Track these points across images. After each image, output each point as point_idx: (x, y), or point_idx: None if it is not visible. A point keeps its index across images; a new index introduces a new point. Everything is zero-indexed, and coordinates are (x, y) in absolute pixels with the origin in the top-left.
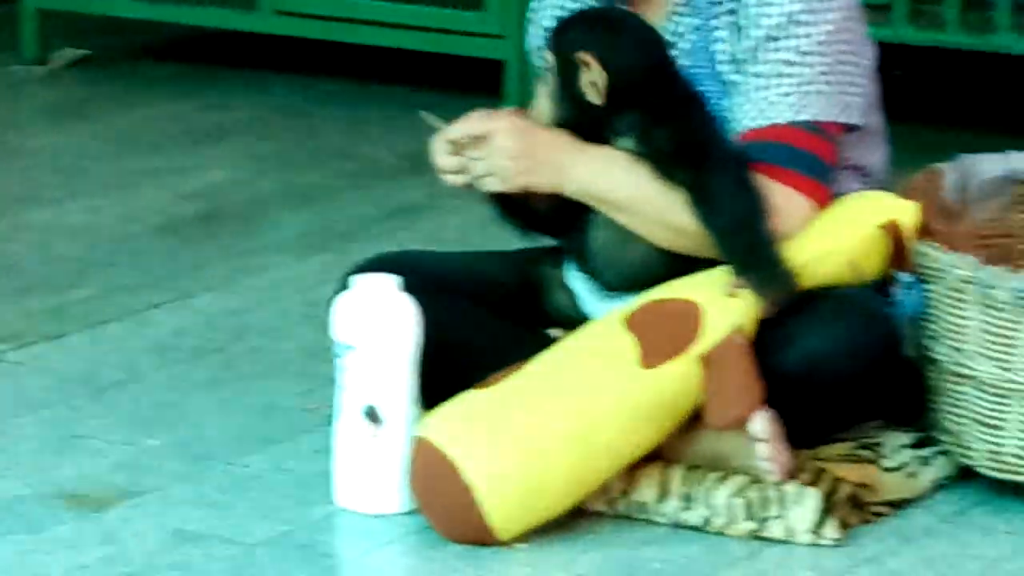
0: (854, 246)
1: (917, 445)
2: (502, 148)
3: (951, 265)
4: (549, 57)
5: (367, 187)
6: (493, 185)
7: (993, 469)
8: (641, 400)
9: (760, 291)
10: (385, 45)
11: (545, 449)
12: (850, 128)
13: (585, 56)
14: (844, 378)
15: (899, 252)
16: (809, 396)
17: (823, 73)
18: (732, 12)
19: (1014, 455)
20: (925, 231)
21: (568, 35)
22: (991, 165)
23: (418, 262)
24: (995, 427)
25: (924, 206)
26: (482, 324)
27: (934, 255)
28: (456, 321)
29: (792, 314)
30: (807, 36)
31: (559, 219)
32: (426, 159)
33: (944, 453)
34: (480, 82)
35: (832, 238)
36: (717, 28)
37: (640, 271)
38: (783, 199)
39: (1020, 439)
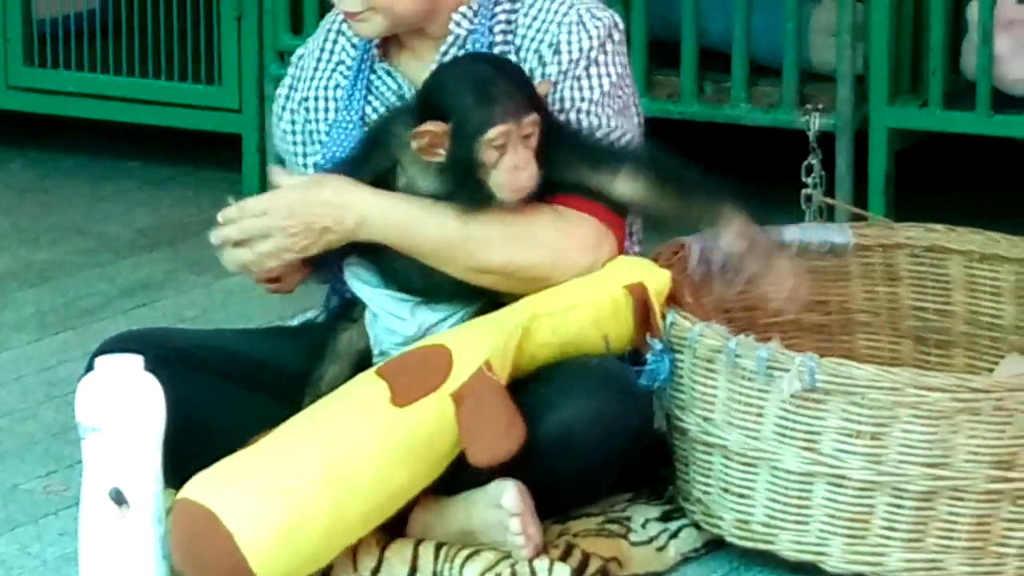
0: (599, 303)
1: (665, 518)
2: (278, 228)
3: (700, 335)
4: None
5: (105, 264)
6: (279, 261)
7: (742, 538)
8: (394, 439)
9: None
10: (121, 120)
11: (302, 491)
12: None
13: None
14: (597, 451)
15: (644, 316)
16: (561, 468)
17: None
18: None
19: (762, 524)
20: (675, 302)
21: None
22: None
23: (163, 339)
24: (743, 496)
25: (681, 279)
26: (229, 399)
27: (683, 324)
28: (202, 397)
29: (543, 385)
30: (607, 77)
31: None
32: (164, 234)
33: (693, 525)
34: (218, 156)
35: (578, 293)
36: None
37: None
38: (594, 231)
39: (768, 508)
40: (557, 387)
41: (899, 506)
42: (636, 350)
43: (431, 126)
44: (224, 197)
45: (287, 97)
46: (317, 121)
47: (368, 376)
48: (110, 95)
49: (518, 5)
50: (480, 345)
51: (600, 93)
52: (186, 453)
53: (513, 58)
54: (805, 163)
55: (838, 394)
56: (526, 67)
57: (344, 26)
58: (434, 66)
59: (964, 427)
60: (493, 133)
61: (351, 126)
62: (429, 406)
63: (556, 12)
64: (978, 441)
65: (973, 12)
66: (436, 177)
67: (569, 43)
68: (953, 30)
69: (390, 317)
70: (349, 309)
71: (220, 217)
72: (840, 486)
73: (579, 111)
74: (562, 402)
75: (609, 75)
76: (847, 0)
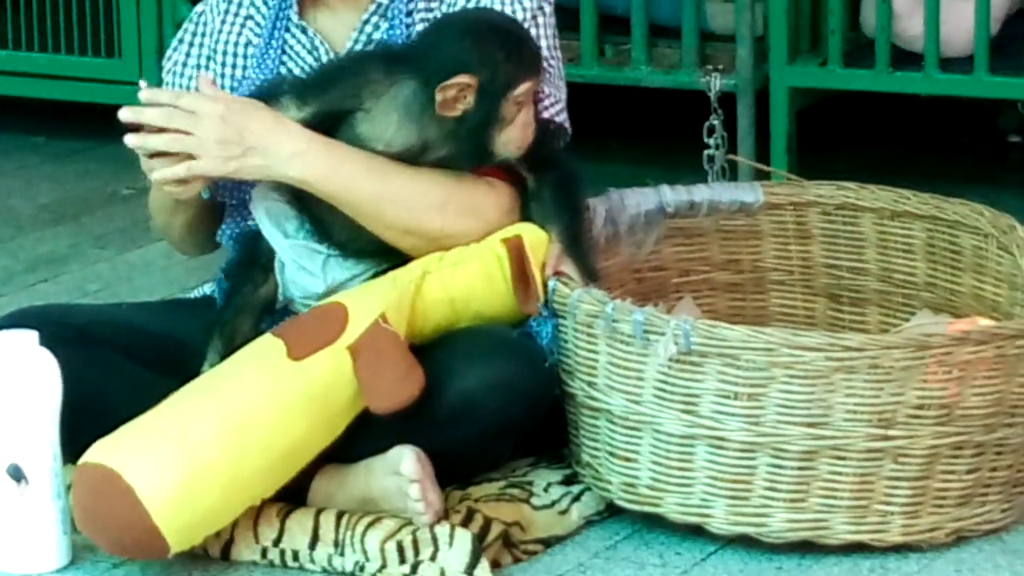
0: (484, 258)
1: (567, 482)
2: (206, 135)
3: (579, 300)
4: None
5: (7, 239)
6: (195, 169)
7: (629, 501)
8: (291, 391)
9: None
10: (20, 95)
11: (200, 443)
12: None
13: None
14: (499, 417)
15: (521, 270)
16: (463, 435)
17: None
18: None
19: (648, 487)
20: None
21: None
22: (641, 199)
23: (62, 315)
24: (628, 460)
25: None
26: (126, 375)
27: (563, 290)
28: (99, 373)
29: (444, 353)
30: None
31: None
32: (68, 209)
33: (600, 490)
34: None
35: (466, 251)
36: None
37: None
38: (513, 200)
39: (652, 471)
40: (458, 355)
41: (780, 466)
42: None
43: (465, 79)
44: (128, 172)
45: (186, 54)
46: (223, 77)
47: (265, 337)
48: (10, 70)
49: None
50: (375, 300)
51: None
52: (83, 429)
53: None
54: (707, 124)
55: (714, 356)
56: None
57: None
58: (355, 32)
59: (841, 386)
60: (522, 89)
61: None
62: (325, 358)
63: None
64: (856, 400)
65: None
66: (416, 130)
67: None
68: None
69: (300, 271)
70: (257, 256)
71: (143, 96)
72: (721, 448)
73: None
74: (463, 369)
75: (541, 46)
76: None
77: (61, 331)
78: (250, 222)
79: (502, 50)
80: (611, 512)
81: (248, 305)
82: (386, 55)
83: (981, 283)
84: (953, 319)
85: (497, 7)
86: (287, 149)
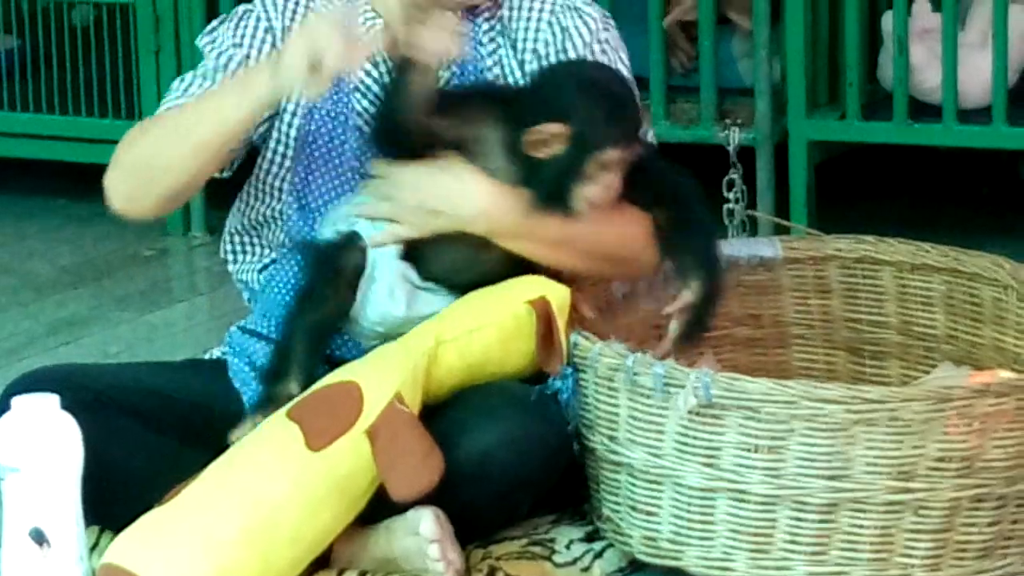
0: (503, 322)
1: (589, 538)
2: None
3: (600, 353)
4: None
5: (29, 302)
6: (397, 232)
7: (650, 555)
8: (314, 483)
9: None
10: (41, 158)
11: (227, 542)
12: None
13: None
14: (515, 474)
15: (547, 331)
16: (479, 492)
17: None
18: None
19: (669, 540)
20: (576, 316)
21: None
22: None
23: (80, 376)
24: (650, 513)
25: (583, 296)
26: (142, 442)
27: (584, 344)
28: (116, 441)
29: (457, 411)
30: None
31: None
32: (88, 271)
33: (623, 546)
34: None
35: (481, 314)
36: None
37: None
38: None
39: (673, 524)
40: (471, 412)
41: (801, 519)
42: (541, 371)
43: (555, 128)
44: (149, 233)
45: (257, 17)
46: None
47: (279, 419)
48: (31, 133)
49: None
50: (389, 377)
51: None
52: (105, 493)
53: (507, 53)
54: (726, 178)
55: (734, 409)
56: (527, 65)
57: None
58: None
59: (861, 438)
60: (610, 155)
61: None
62: (345, 446)
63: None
64: (876, 452)
65: (888, 23)
66: (510, 164)
67: (578, 28)
68: (869, 41)
69: (388, 295)
70: (343, 268)
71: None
72: (742, 501)
73: None
74: (477, 426)
75: (619, 68)
76: (763, 16)
77: (80, 395)
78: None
79: (600, 109)
80: (633, 568)
81: (325, 325)
82: (494, 93)
83: (1002, 335)
84: (975, 371)
85: (570, 22)
86: (470, 209)
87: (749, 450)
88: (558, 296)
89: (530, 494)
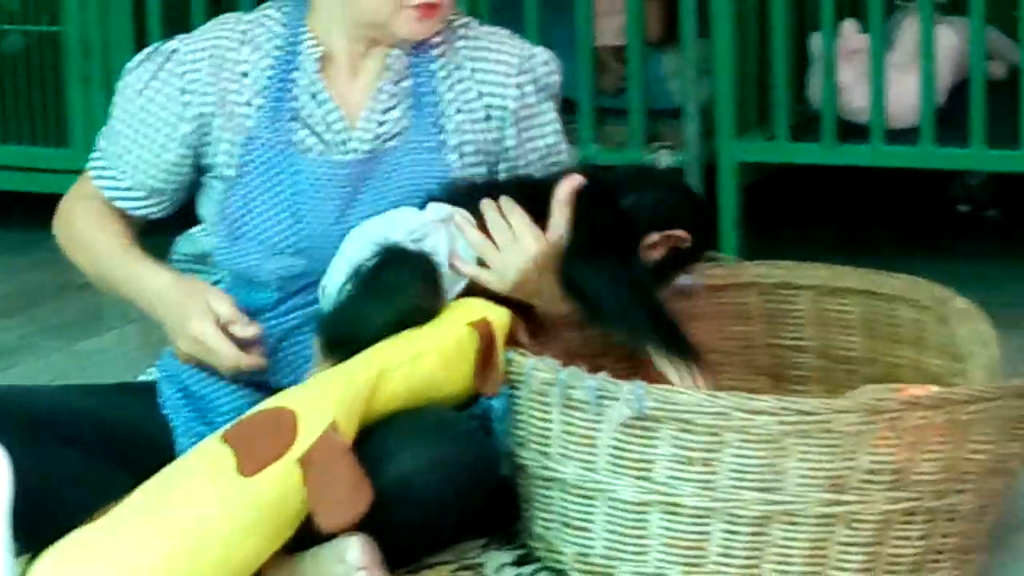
0: (444, 347)
1: (519, 562)
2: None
3: (533, 369)
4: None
5: None
6: (482, 279)
7: (583, 572)
8: (243, 509)
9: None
10: None
11: (151, 569)
12: None
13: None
14: (438, 498)
15: (487, 353)
16: (403, 517)
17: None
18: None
19: (602, 556)
20: (513, 340)
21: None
22: None
23: (10, 399)
24: (582, 529)
25: (519, 321)
26: (70, 465)
27: (518, 360)
28: (44, 465)
29: (382, 435)
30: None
31: None
32: (18, 300)
33: (548, 568)
34: None
35: (424, 339)
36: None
37: None
38: None
39: (607, 540)
40: (395, 436)
41: (734, 532)
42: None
43: (680, 234)
44: None
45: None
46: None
47: (213, 443)
48: None
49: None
50: (325, 406)
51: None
52: (35, 519)
53: (450, 82)
54: None
55: (668, 421)
56: (477, 104)
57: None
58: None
59: (794, 450)
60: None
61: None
62: (277, 473)
63: (498, 45)
64: (809, 464)
65: (816, 43)
66: None
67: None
68: (797, 61)
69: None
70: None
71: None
72: (675, 514)
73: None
74: (399, 451)
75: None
76: (691, 37)
77: (9, 418)
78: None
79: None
80: None
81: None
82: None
83: (921, 355)
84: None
85: (534, 64)
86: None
87: (683, 463)
88: (499, 318)
89: (455, 517)
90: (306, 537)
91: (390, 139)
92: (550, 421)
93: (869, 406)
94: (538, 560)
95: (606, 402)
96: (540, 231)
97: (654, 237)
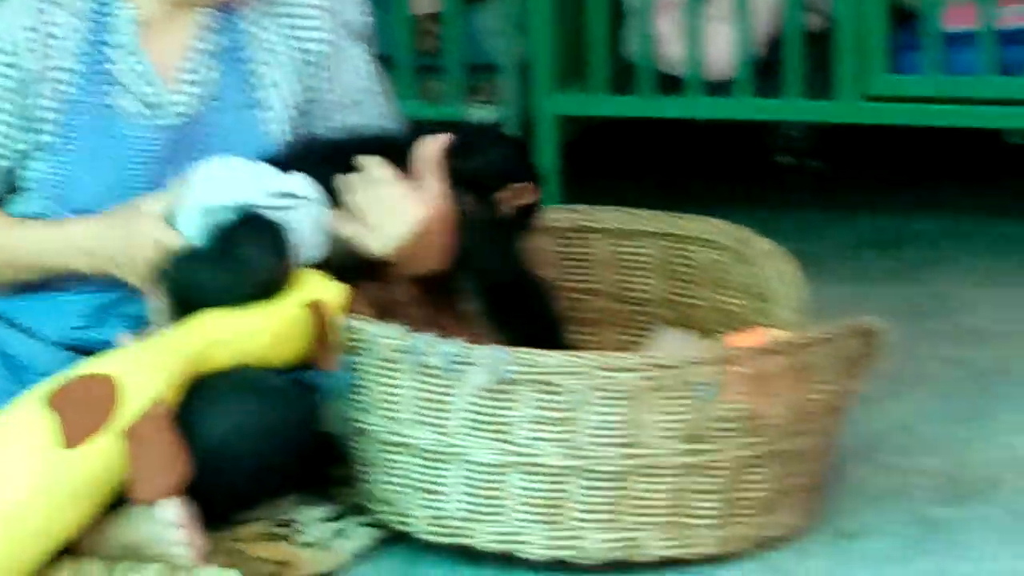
0: (279, 325)
1: (334, 518)
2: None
3: (381, 335)
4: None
5: None
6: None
7: (437, 535)
8: (66, 480)
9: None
10: None
11: None
12: None
13: None
14: (253, 459)
15: (321, 330)
16: (219, 478)
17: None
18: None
19: (457, 518)
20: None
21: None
22: None
23: None
24: (436, 492)
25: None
26: None
27: (363, 327)
28: None
29: (197, 398)
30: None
31: None
32: None
33: (370, 525)
34: None
35: (258, 316)
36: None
37: None
38: None
39: (462, 502)
40: (210, 399)
41: (594, 488)
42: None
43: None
44: None
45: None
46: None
47: (36, 407)
48: None
49: None
50: (151, 376)
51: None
52: None
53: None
54: None
55: (528, 383)
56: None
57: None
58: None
59: (653, 404)
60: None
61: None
62: (100, 445)
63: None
64: (668, 417)
65: None
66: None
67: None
68: (614, 15)
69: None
70: None
71: None
72: (534, 474)
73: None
74: (214, 414)
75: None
76: None
77: None
78: None
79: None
80: (379, 547)
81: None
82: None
83: (720, 296)
84: (694, 333)
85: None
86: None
87: (543, 423)
88: (335, 297)
89: (270, 477)
90: (121, 496)
91: (208, 99)
92: (398, 387)
93: (723, 356)
94: (353, 516)
95: (462, 367)
96: (418, 196)
97: (507, 192)
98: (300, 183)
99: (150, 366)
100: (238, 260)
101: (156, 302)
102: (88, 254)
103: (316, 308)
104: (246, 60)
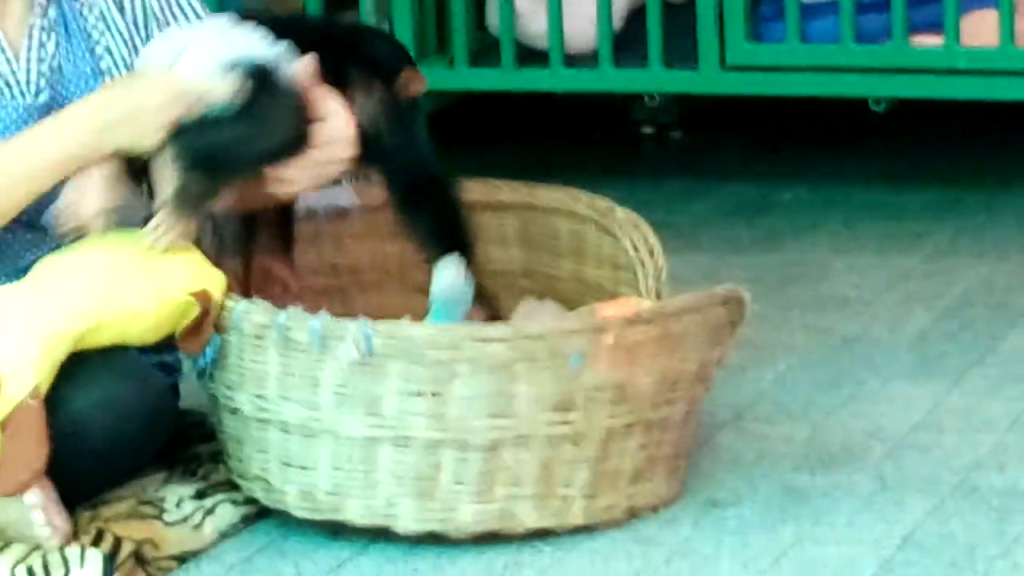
0: (164, 311)
1: (200, 495)
2: None
3: (247, 312)
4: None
5: None
6: None
7: (308, 510)
8: None
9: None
10: None
11: None
12: None
13: None
14: (112, 437)
15: (202, 320)
16: (77, 458)
17: None
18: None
19: (327, 493)
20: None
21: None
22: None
23: None
24: (305, 468)
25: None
26: None
27: (230, 305)
28: None
29: (57, 376)
30: None
31: None
32: None
33: (240, 503)
34: None
35: (145, 298)
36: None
37: None
38: None
39: (332, 477)
40: (68, 377)
41: (465, 460)
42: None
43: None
44: None
45: None
46: None
47: None
48: None
49: None
50: (31, 367)
51: None
52: None
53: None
54: None
55: (397, 357)
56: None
57: None
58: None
59: (523, 375)
60: None
61: None
62: None
63: None
64: (537, 388)
65: None
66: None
67: None
68: None
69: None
70: None
71: None
72: (405, 447)
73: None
74: (70, 391)
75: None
76: None
77: None
78: None
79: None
80: (246, 524)
81: None
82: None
83: (581, 266)
84: (557, 304)
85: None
86: None
87: (413, 396)
88: (218, 285)
89: (132, 455)
90: None
91: (58, 74)
92: (265, 363)
93: (594, 325)
94: (219, 493)
95: (331, 342)
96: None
97: (402, 80)
98: (280, 53)
99: (29, 355)
100: (264, 116)
101: (165, 169)
102: (92, 131)
103: (202, 298)
104: (81, 28)
